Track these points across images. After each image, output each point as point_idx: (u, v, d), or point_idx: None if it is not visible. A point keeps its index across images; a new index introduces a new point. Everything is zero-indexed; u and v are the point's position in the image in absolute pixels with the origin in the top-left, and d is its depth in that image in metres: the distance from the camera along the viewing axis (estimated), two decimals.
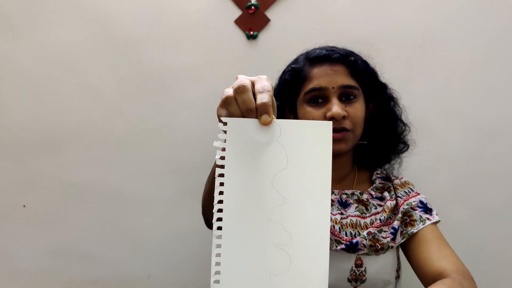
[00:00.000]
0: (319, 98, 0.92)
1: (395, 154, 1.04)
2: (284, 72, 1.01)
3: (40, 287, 1.30)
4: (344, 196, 0.97)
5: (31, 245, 1.30)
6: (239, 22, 1.29)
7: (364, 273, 0.89)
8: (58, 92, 1.30)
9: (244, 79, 0.54)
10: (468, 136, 1.28)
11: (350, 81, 0.92)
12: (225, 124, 0.50)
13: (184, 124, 1.31)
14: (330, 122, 0.52)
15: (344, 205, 0.96)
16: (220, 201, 0.49)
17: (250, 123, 0.50)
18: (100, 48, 1.30)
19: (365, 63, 0.97)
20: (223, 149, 0.50)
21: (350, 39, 1.24)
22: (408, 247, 0.93)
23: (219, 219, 0.48)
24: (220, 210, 0.48)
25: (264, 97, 0.51)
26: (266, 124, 0.50)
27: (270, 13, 1.29)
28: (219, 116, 0.55)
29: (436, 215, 0.95)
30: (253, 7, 1.28)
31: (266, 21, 1.29)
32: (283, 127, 0.50)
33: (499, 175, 1.28)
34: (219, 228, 0.48)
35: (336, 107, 0.88)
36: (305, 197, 0.50)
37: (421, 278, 0.88)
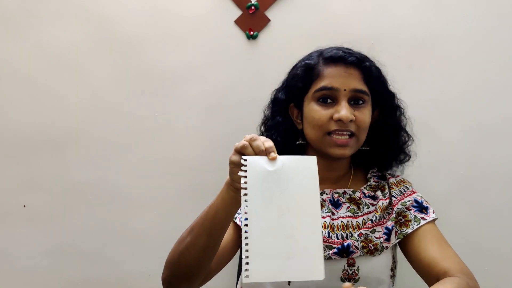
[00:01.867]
0: (329, 98, 0.91)
1: (396, 163, 1.03)
2: (295, 67, 1.00)
3: (40, 287, 1.30)
4: (336, 195, 0.97)
5: (31, 245, 1.30)
6: (239, 22, 1.29)
7: (356, 272, 0.88)
8: (58, 92, 1.30)
9: (253, 135, 0.75)
10: (468, 136, 1.28)
11: (362, 86, 0.92)
12: (245, 160, 0.73)
13: (184, 124, 1.31)
14: (315, 157, 0.74)
15: (335, 204, 0.96)
16: (245, 212, 0.71)
17: (263, 159, 0.73)
18: (100, 48, 1.30)
19: (378, 71, 0.97)
20: (245, 177, 0.72)
21: (350, 39, 1.23)
22: (408, 246, 0.92)
23: (245, 225, 0.71)
24: (245, 219, 0.72)
25: (270, 143, 0.74)
26: (273, 159, 0.72)
27: (270, 13, 1.29)
28: (232, 162, 0.75)
29: (433, 213, 0.94)
30: (253, 7, 1.28)
31: (266, 21, 1.29)
32: (284, 161, 0.73)
33: (499, 175, 1.28)
34: (246, 225, 0.71)
35: (345, 110, 0.89)
36: (301, 207, 0.72)
37: (425, 278, 0.88)
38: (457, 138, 1.28)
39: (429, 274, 0.86)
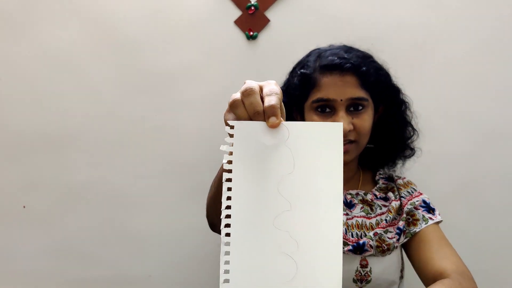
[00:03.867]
0: (327, 107, 0.91)
1: (401, 159, 1.04)
2: (293, 74, 0.99)
3: (40, 287, 1.30)
4: (348, 197, 0.97)
5: (31, 246, 1.30)
6: (239, 22, 1.29)
7: (369, 273, 0.89)
8: (58, 92, 1.30)
9: (251, 83, 0.54)
10: (468, 136, 1.28)
11: (359, 93, 0.90)
12: (232, 127, 0.50)
13: (184, 124, 1.31)
14: (341, 123, 0.51)
15: (349, 205, 0.96)
16: (228, 207, 0.49)
17: (258, 125, 0.49)
18: (100, 48, 1.30)
19: (377, 72, 0.94)
20: (231, 153, 0.50)
21: (350, 39, 1.23)
22: (410, 247, 0.93)
23: (227, 225, 0.48)
24: (228, 216, 0.48)
25: (272, 100, 0.51)
26: (274, 126, 0.50)
27: (270, 14, 1.29)
28: (226, 121, 0.55)
29: (439, 215, 0.95)
30: (253, 8, 1.28)
31: (266, 21, 1.29)
32: (291, 130, 0.49)
33: (499, 175, 1.28)
34: (227, 234, 0.48)
35: (342, 122, 0.88)
36: (313, 202, 0.48)
37: (422, 278, 0.88)
38: (457, 138, 1.28)
39: (427, 274, 0.86)
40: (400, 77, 1.26)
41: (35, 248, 1.30)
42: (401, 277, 0.96)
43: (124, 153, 1.30)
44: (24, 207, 1.30)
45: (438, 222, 0.95)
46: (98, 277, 1.30)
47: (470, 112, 1.28)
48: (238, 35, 1.30)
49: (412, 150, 1.04)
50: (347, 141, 0.90)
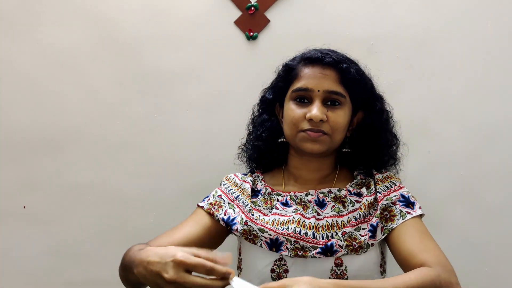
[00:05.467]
0: (305, 98, 0.94)
1: (380, 166, 1.02)
2: (280, 68, 1.04)
3: (40, 287, 1.30)
4: (321, 195, 0.97)
5: (31, 246, 1.30)
6: (239, 23, 1.29)
7: (345, 271, 0.88)
8: (58, 93, 1.30)
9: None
10: (468, 136, 1.28)
11: (337, 88, 0.93)
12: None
13: (183, 124, 1.31)
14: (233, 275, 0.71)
15: (320, 204, 0.96)
16: None
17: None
18: (100, 49, 1.30)
19: (358, 72, 0.96)
20: None
21: (350, 40, 1.24)
22: (392, 241, 0.91)
23: None
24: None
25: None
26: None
27: (270, 14, 1.29)
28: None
29: (419, 208, 0.94)
30: (253, 8, 1.28)
31: (266, 21, 1.29)
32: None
33: (499, 175, 1.27)
34: None
35: (316, 110, 0.91)
36: None
37: (404, 270, 0.88)
38: (457, 138, 1.28)
39: (408, 266, 0.85)
40: (400, 77, 1.27)
41: (35, 248, 1.30)
42: (383, 271, 0.95)
43: (124, 153, 1.31)
44: (24, 207, 1.30)
45: (419, 216, 0.94)
46: (98, 277, 1.30)
47: (470, 112, 1.28)
48: (238, 35, 1.30)
49: (392, 159, 1.03)
50: (319, 131, 0.92)
